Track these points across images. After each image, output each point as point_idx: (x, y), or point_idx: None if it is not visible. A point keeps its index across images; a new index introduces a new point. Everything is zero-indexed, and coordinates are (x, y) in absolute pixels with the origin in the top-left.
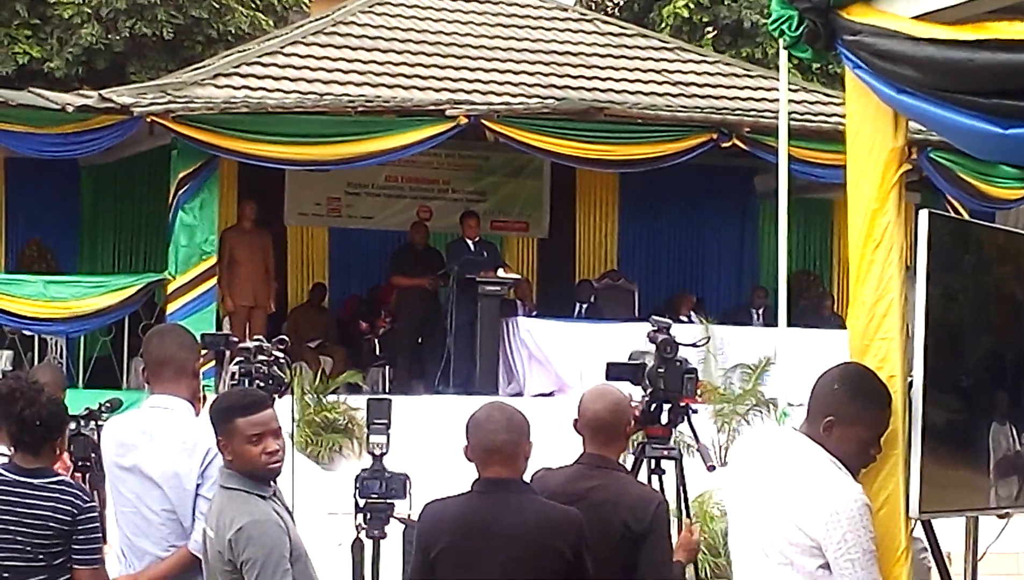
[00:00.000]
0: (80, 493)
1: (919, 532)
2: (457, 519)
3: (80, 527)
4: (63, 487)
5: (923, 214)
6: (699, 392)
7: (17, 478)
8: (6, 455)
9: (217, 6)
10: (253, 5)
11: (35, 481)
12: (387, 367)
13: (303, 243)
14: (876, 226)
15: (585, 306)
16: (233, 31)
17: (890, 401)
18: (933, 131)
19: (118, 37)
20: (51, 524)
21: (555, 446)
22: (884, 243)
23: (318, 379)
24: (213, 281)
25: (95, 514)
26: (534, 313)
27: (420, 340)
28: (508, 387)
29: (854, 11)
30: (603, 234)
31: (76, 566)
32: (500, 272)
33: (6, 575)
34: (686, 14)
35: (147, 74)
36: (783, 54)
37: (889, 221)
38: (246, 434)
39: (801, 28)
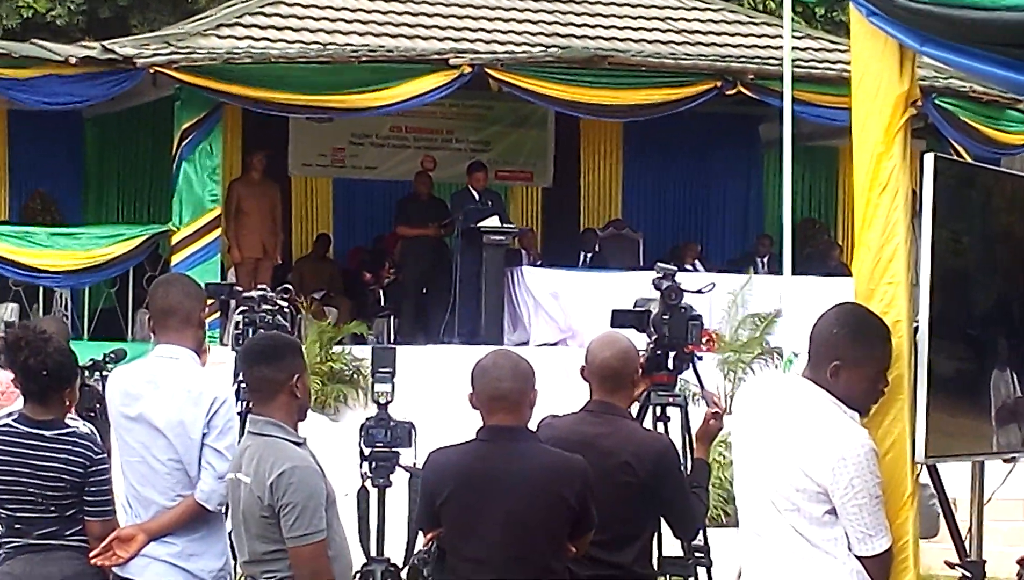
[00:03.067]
0: (92, 444)
1: (925, 478)
2: (462, 467)
3: (92, 478)
4: (75, 439)
5: (928, 158)
6: (704, 339)
7: (28, 430)
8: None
9: None
10: None
11: (46, 433)
12: (392, 317)
13: (307, 194)
14: (882, 170)
15: (590, 255)
16: None
17: (889, 334)
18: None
19: None
20: (63, 476)
21: (560, 394)
22: (890, 187)
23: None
24: (218, 232)
25: (107, 465)
26: (539, 262)
27: (425, 290)
28: (513, 336)
29: None
30: (607, 183)
31: (88, 517)
32: (495, 220)
33: (18, 526)
34: None
35: (149, 26)
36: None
37: (895, 165)
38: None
39: None
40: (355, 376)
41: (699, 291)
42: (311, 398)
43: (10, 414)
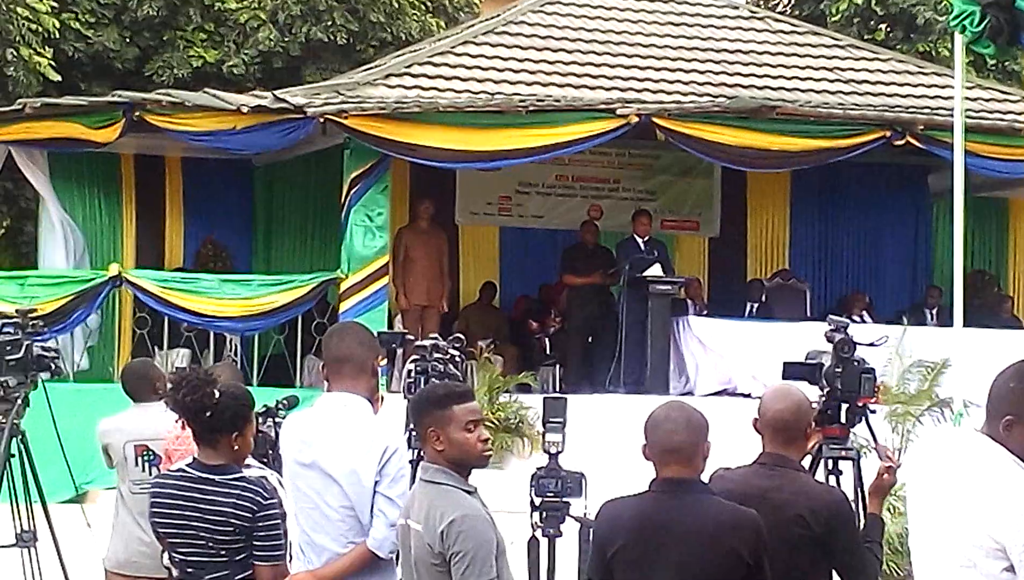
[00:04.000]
0: (260, 490)
1: None
2: (635, 519)
3: (260, 523)
4: (244, 484)
5: None
6: (876, 392)
7: (201, 475)
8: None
9: (391, 9)
10: (424, 7)
11: (216, 478)
12: (557, 366)
13: (474, 242)
14: None
15: (756, 306)
16: (404, 35)
17: None
18: None
19: (294, 41)
20: (232, 521)
21: (727, 446)
22: None
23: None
24: (385, 279)
25: (276, 511)
26: (705, 312)
27: (590, 339)
28: (678, 386)
29: None
30: (774, 233)
31: (257, 562)
32: (658, 269)
33: (189, 570)
34: (860, 1)
35: (321, 76)
36: (959, 49)
37: None
38: (463, 421)
39: (983, 23)
40: (521, 425)
41: (871, 344)
42: (477, 451)
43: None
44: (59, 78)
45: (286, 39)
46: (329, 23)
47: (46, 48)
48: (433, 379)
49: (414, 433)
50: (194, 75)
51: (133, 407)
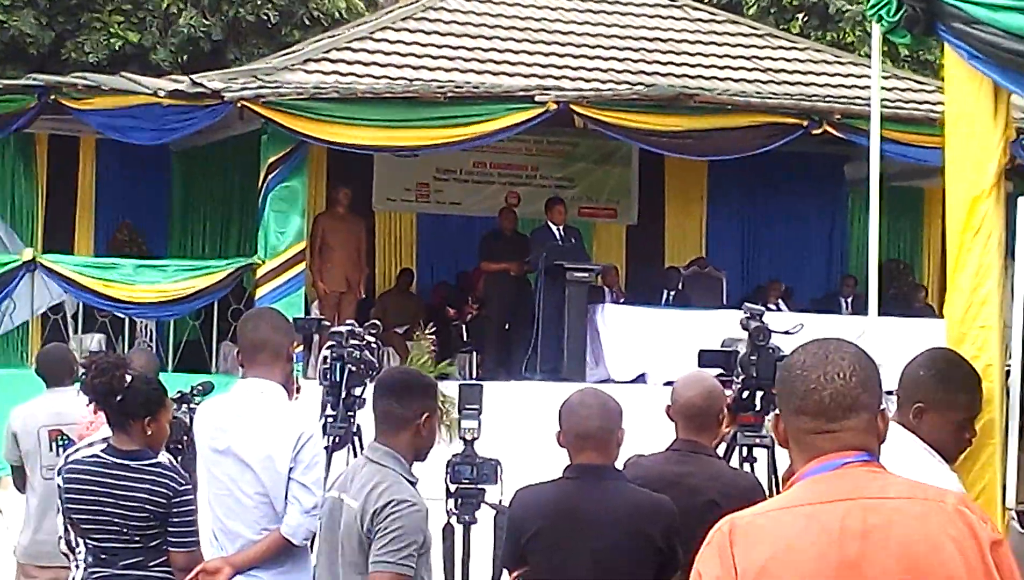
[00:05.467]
0: (176, 475)
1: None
2: (549, 505)
3: (175, 510)
4: (159, 470)
5: (1021, 201)
6: None
7: (115, 460)
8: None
9: None
10: None
11: (131, 463)
12: (474, 353)
13: (391, 229)
14: (975, 213)
15: (673, 293)
16: (334, 14)
17: (979, 382)
18: None
19: (215, 25)
20: (146, 507)
21: (642, 433)
22: (983, 230)
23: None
24: (302, 266)
25: (191, 497)
26: (622, 300)
27: (507, 326)
28: (595, 373)
29: None
30: (691, 221)
31: (171, 548)
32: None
33: (103, 556)
34: None
35: (247, 59)
36: (876, 38)
37: (988, 208)
38: (436, 413)
39: (900, 13)
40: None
41: (787, 332)
42: (433, 442)
43: (91, 444)
44: None
45: (208, 21)
46: (258, 2)
47: None
48: (349, 366)
49: (329, 419)
50: (112, 59)
51: (47, 392)
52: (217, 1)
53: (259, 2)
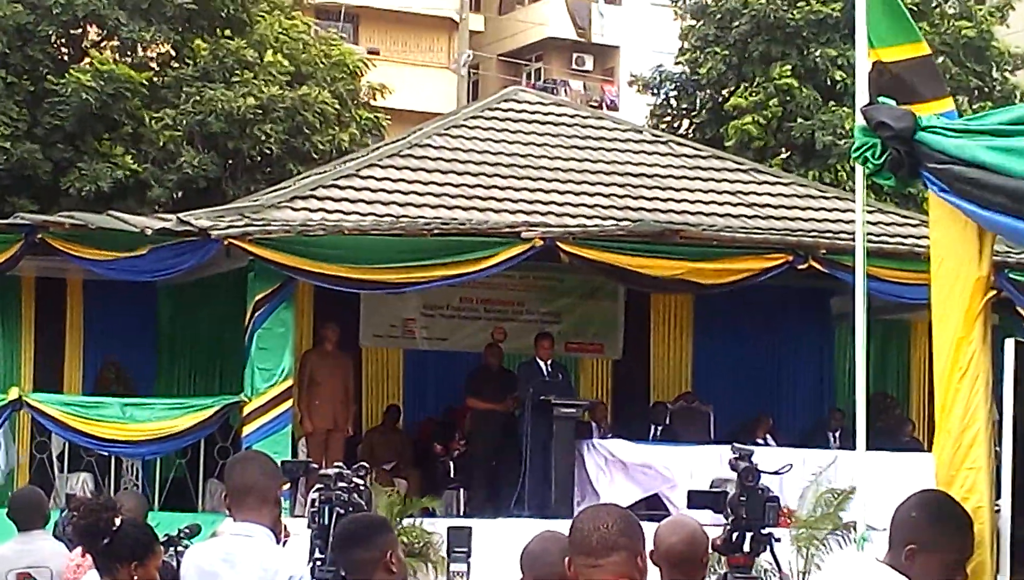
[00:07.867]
0: None
1: None
2: None
3: None
4: None
5: (1009, 343)
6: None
7: None
8: None
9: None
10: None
11: None
12: (461, 490)
13: (378, 365)
14: (962, 355)
15: (660, 428)
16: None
17: (971, 524)
18: None
19: (214, 162)
20: None
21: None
22: (970, 372)
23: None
24: (289, 403)
25: None
26: (609, 435)
27: (495, 463)
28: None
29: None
30: (678, 356)
31: None
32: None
33: None
34: (754, 132)
35: (243, 195)
36: (860, 178)
37: (975, 350)
38: (398, 544)
39: (884, 156)
40: (426, 549)
41: (776, 472)
42: (406, 570)
43: None
44: None
45: (206, 158)
46: (262, 137)
47: None
48: (337, 508)
49: (318, 562)
50: (112, 190)
51: (18, 536)
52: (216, 136)
53: (262, 137)
